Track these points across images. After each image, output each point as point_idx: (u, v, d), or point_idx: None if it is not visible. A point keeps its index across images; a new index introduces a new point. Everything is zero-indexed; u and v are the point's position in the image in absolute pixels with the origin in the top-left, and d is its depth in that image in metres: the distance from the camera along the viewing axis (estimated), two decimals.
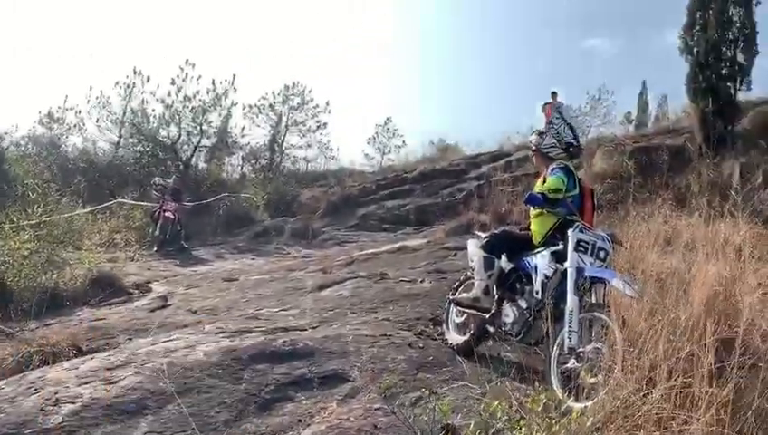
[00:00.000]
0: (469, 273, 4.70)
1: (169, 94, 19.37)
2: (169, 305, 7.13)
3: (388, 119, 28.49)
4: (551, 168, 4.12)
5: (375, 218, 15.69)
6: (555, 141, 4.26)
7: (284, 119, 24.12)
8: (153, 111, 19.76)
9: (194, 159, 20.04)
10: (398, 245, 11.32)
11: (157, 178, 14.63)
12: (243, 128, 21.86)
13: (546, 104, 16.72)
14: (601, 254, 3.75)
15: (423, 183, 16.57)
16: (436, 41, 60.93)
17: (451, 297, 4.73)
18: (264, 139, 23.80)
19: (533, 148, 4.41)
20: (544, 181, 4.11)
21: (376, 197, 17.08)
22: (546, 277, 3.83)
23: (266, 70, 42.74)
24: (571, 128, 4.30)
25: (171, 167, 18.88)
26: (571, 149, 4.24)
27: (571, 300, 3.55)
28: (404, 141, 27.78)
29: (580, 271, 3.64)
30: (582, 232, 3.75)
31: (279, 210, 17.60)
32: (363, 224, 15.63)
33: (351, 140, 50.59)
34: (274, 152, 23.53)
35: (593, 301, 3.65)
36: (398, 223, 14.96)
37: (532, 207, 4.16)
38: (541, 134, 4.36)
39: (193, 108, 19.52)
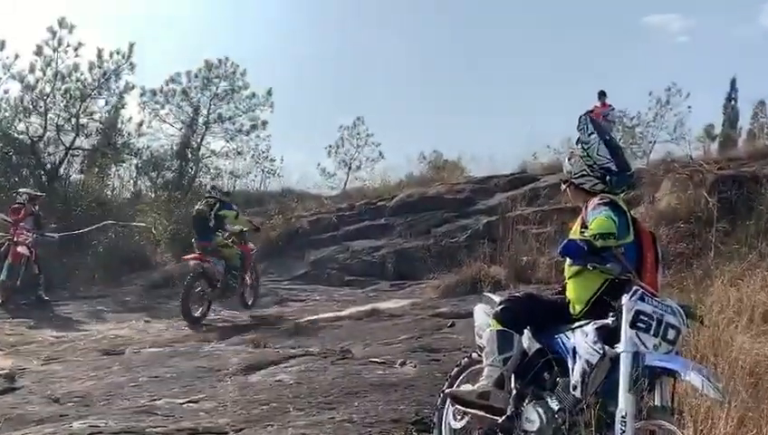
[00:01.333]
0: (475, 354, 4.69)
1: (32, 70, 19.25)
2: (18, 389, 6.93)
3: (358, 119, 28.80)
4: (591, 204, 4.17)
5: (335, 266, 15.66)
6: (586, 167, 4.33)
7: (204, 112, 24.27)
8: (6, 92, 19.63)
9: (64, 166, 19.91)
10: (368, 307, 11.31)
11: (23, 190, 14.30)
12: (140, 123, 21.73)
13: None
14: (670, 334, 3.78)
15: (408, 216, 16.68)
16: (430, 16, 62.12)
17: (447, 391, 4.71)
18: (171, 141, 23.86)
19: (564, 177, 4.50)
20: (584, 225, 4.16)
21: (337, 234, 17.09)
22: (589, 365, 3.85)
23: (180, 39, 43.02)
24: (610, 145, 4.34)
25: (29, 178, 18.71)
26: (608, 178, 4.30)
27: (624, 400, 3.56)
28: (381, 153, 28.14)
29: (638, 357, 3.67)
30: (644, 300, 3.79)
31: (191, 248, 17.43)
32: (317, 274, 15.58)
33: (303, 147, 50.87)
34: (187, 162, 23.55)
35: (657, 402, 3.67)
36: (370, 274, 14.98)
37: (569, 261, 4.20)
38: (571, 159, 4.45)
39: (67, 91, 19.45)
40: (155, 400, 6.20)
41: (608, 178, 4.27)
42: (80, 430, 4.98)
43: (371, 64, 58.02)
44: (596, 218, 3.97)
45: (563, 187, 4.61)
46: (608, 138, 4.39)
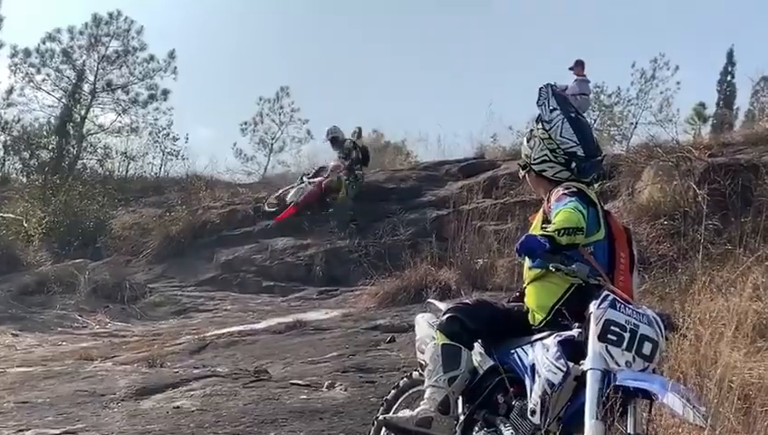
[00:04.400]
0: (416, 373, 4.72)
1: None
2: None
3: (282, 90, 28.71)
4: (555, 194, 4.22)
5: (250, 269, 15.58)
6: (548, 151, 4.39)
7: (90, 78, 23.90)
8: None
9: None
10: (290, 319, 11.31)
11: None
12: (9, 91, 21.43)
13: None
14: (646, 348, 3.85)
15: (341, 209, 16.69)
16: None
17: (381, 417, 4.74)
18: (49, 113, 23.47)
19: (523, 162, 4.56)
20: (546, 220, 4.21)
21: (254, 230, 17.01)
22: (550, 385, 3.89)
23: None
24: (577, 125, 4.40)
25: None
26: (574, 165, 4.36)
27: (591, 427, 3.61)
28: (309, 132, 28.15)
29: (608, 376, 3.73)
30: (615, 308, 3.85)
31: (71, 246, 17.20)
32: (228, 278, 15.47)
33: (213, 124, 50.44)
34: (68, 139, 23.19)
35: (630, 430, 3.73)
36: (294, 279, 14.94)
37: (528, 263, 4.25)
38: (530, 140, 4.51)
39: None
40: (23, 430, 6.12)
41: (573, 164, 4.34)
42: None
43: (300, 30, 57.87)
44: (560, 211, 4.01)
45: (521, 173, 4.67)
46: (573, 115, 4.44)
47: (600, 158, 4.53)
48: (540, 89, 4.51)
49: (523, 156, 4.57)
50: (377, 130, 25.86)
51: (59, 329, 12.34)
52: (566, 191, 4.16)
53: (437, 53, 55.46)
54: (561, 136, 4.35)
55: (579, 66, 17.93)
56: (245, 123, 28.31)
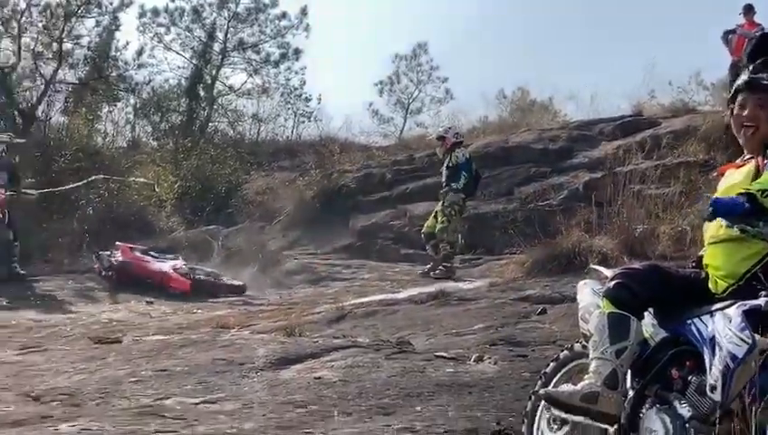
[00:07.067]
0: (578, 345, 4.65)
1: None
2: None
3: (419, 46, 28.62)
4: None
5: (388, 236, 15.71)
6: None
7: (220, 37, 24.33)
8: None
9: (43, 105, 20.23)
10: (432, 288, 11.31)
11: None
12: (139, 52, 22.08)
13: (731, 32, 16.66)
14: None
15: (485, 172, 16.38)
16: None
17: (541, 392, 4.67)
18: (179, 74, 24.01)
19: (741, 86, 4.30)
20: (758, 174, 4.03)
21: (391, 195, 17.12)
22: (733, 359, 3.76)
23: None
24: None
25: None
26: None
27: None
28: (448, 91, 27.99)
29: None
30: None
31: (203, 212, 17.64)
32: (365, 246, 15.64)
33: (349, 85, 50.84)
34: (198, 101, 23.69)
35: None
36: None
37: (716, 222, 4.08)
38: (738, 73, 4.32)
39: (47, 8, 19.70)
40: (162, 399, 6.24)
41: None
42: (68, 434, 5.04)
43: None
44: None
45: (726, 116, 4.49)
46: None
47: None
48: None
49: (741, 81, 4.27)
50: (522, 87, 25.52)
51: (193, 296, 12.70)
52: None
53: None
54: None
55: (748, 13, 17.18)
56: (381, 82, 28.34)
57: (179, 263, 13.45)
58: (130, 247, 13.79)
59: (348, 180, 18.03)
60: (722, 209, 3.76)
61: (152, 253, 13.93)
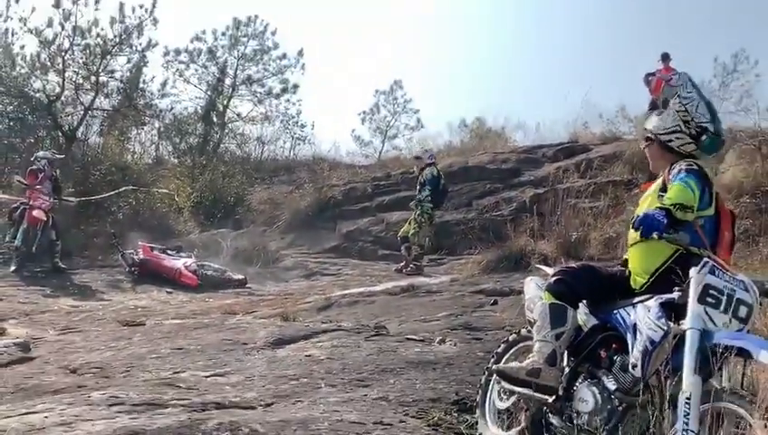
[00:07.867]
0: (524, 330, 4.66)
1: (50, 24, 19.38)
2: (34, 359, 7.04)
3: (395, 83, 28.75)
4: (677, 167, 4.09)
5: (368, 239, 15.71)
6: (681, 122, 4.23)
7: (231, 73, 24.34)
8: (22, 48, 19.81)
9: (82, 128, 20.13)
10: (404, 282, 11.33)
11: (42, 153, 14.43)
12: (163, 84, 21.91)
13: (651, 75, 16.79)
14: (742, 311, 3.70)
15: (448, 186, 16.57)
16: None
17: (494, 367, 4.68)
18: (196, 103, 24.01)
19: (649, 135, 4.38)
20: (663, 189, 4.07)
21: (371, 205, 17.12)
22: (651, 343, 3.77)
23: None
24: (711, 108, 4.24)
25: (45, 139, 18.90)
26: (704, 138, 4.20)
27: (689, 381, 3.49)
28: (419, 120, 28.10)
29: (706, 335, 3.59)
30: (714, 274, 3.70)
31: (214, 218, 17.61)
32: (349, 246, 15.64)
33: (336, 114, 50.80)
34: (212, 126, 23.71)
35: (724, 384, 3.59)
36: None
37: (633, 230, 4.12)
38: (660, 114, 4.35)
39: (87, 47, 19.58)
40: (178, 372, 6.24)
41: (704, 137, 4.18)
42: (99, 400, 5.01)
43: (410, 28, 57.86)
44: (679, 186, 3.92)
45: (644, 145, 4.53)
46: (707, 100, 4.31)
47: (723, 140, 4.39)
48: (679, 74, 4.55)
49: (650, 127, 4.39)
50: (480, 117, 25.73)
51: (205, 288, 12.69)
52: (688, 167, 4.04)
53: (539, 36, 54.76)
54: (696, 111, 4.20)
55: (665, 60, 17.30)
56: (364, 112, 28.50)
57: (190, 261, 13.37)
58: (150, 247, 13.73)
59: (335, 193, 18.04)
60: (646, 230, 3.85)
61: (169, 251, 13.88)
